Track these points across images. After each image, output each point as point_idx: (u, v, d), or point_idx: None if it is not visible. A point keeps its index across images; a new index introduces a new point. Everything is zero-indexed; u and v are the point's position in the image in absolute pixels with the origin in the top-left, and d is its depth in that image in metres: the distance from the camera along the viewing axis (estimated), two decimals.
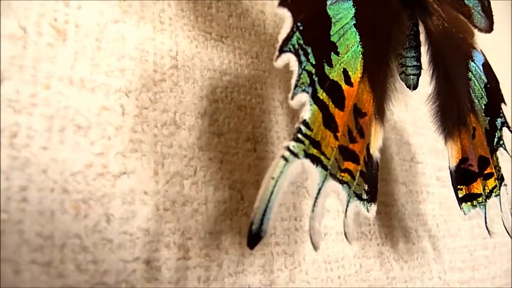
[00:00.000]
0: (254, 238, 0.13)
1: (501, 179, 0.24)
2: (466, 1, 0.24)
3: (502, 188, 0.24)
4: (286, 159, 0.14)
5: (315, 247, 0.14)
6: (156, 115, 0.18)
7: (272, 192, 0.14)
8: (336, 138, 0.15)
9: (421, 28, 0.22)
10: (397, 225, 0.26)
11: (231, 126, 0.20)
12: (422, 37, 0.22)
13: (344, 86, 0.16)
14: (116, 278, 0.15)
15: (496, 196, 0.23)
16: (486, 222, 0.22)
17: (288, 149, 0.14)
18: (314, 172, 0.15)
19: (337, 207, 0.23)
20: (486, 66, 0.24)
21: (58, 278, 0.14)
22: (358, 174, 0.16)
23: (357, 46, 0.17)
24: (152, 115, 0.18)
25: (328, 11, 0.16)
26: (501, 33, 0.38)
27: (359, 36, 0.17)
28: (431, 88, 0.22)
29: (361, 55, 0.17)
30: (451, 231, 0.30)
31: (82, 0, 0.18)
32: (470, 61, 0.23)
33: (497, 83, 0.25)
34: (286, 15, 0.15)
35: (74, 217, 0.15)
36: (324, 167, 0.15)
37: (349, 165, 0.16)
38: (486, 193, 0.23)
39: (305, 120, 0.15)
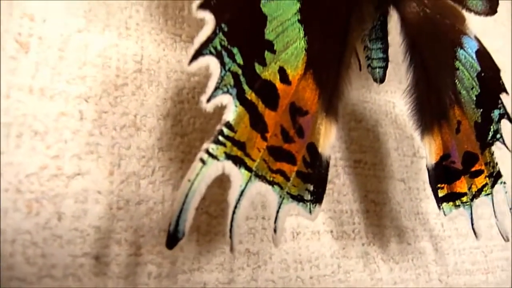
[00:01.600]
0: (171, 238, 0.14)
1: (496, 176, 0.22)
2: None
3: (498, 186, 0.22)
4: (203, 162, 0.14)
5: (232, 249, 0.14)
6: (115, 118, 0.19)
7: (187, 195, 0.14)
8: (264, 138, 0.15)
9: (396, 17, 0.20)
10: (389, 224, 0.25)
11: (196, 126, 0.21)
12: (398, 26, 0.21)
13: (278, 85, 0.16)
14: (63, 272, 0.16)
15: (487, 195, 0.21)
16: (472, 224, 0.21)
17: (207, 151, 0.14)
18: (236, 174, 0.15)
19: None
20: (481, 53, 0.22)
21: (7, 270, 0.16)
22: (294, 175, 0.16)
23: (300, 42, 0.17)
24: (111, 118, 0.19)
25: (263, 8, 0.16)
26: (502, 33, 0.35)
27: (303, 31, 0.17)
28: (408, 81, 0.21)
29: (304, 52, 0.17)
30: (460, 230, 0.28)
31: (48, 14, 0.19)
32: (459, 49, 0.21)
33: (496, 71, 0.22)
34: (207, 17, 0.15)
35: (26, 215, 0.16)
36: (248, 169, 0.15)
37: (283, 165, 0.16)
38: (474, 192, 0.21)
39: (228, 122, 0.15)
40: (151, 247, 0.18)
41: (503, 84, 0.23)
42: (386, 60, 0.19)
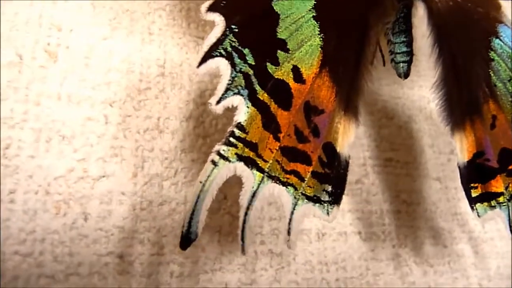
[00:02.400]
0: (184, 240, 0.14)
1: None
2: None
3: None
4: (214, 163, 0.14)
5: (243, 251, 0.14)
6: (139, 121, 0.20)
7: (199, 196, 0.14)
8: (277, 139, 0.15)
9: (422, 8, 0.20)
10: (423, 225, 0.24)
11: (218, 128, 0.21)
12: (425, 17, 0.20)
13: (292, 84, 0.16)
14: (89, 270, 0.17)
15: None
16: (510, 225, 0.19)
17: (218, 153, 0.14)
18: (248, 176, 0.15)
19: (341, 206, 0.22)
20: None
21: (37, 267, 0.16)
22: (309, 175, 0.16)
23: (315, 40, 0.16)
24: (135, 122, 0.19)
25: (275, 7, 0.16)
26: None
27: (319, 29, 0.16)
28: (436, 75, 0.20)
29: (319, 49, 0.16)
30: (503, 232, 0.26)
31: (74, 23, 0.20)
32: (494, 39, 0.20)
33: None
34: (217, 19, 0.15)
35: (54, 216, 0.17)
36: (260, 170, 0.15)
37: (297, 166, 0.15)
38: None
39: (239, 123, 0.15)
40: (173, 247, 0.18)
41: None
42: (410, 54, 0.18)
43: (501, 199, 0.19)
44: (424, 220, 0.24)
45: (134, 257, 0.18)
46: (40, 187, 0.17)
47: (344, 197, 0.22)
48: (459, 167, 0.19)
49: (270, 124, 0.15)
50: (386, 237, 0.23)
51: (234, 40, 0.15)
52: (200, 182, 0.14)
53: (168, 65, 0.21)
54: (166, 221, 0.19)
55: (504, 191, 0.19)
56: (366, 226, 0.22)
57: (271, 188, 0.15)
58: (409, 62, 0.18)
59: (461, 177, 0.19)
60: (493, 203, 0.19)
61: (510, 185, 0.19)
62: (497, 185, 0.19)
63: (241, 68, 0.15)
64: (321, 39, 0.16)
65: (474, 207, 0.19)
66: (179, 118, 0.20)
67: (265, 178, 0.15)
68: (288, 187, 0.15)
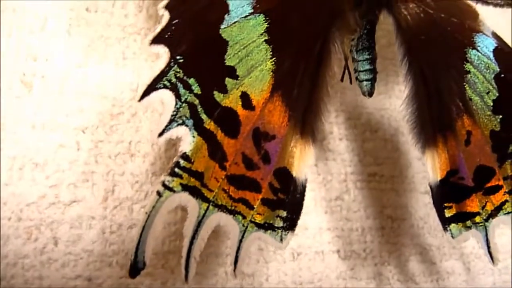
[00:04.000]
0: (132, 268, 0.14)
1: None
2: None
3: None
4: (159, 194, 0.15)
5: (187, 280, 0.14)
6: (111, 146, 0.20)
7: (143, 227, 0.14)
8: (223, 168, 0.15)
9: (391, 21, 0.19)
10: (409, 242, 0.23)
11: None
12: (393, 31, 0.19)
13: (240, 111, 0.16)
14: None
15: (507, 213, 0.19)
16: (488, 247, 0.18)
17: (163, 183, 0.15)
18: (193, 205, 0.15)
19: (318, 225, 0.22)
20: (501, 51, 0.19)
21: None
22: (258, 202, 0.16)
23: (266, 64, 0.16)
24: (106, 147, 0.20)
25: (223, 34, 0.16)
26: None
27: (271, 52, 0.16)
28: (406, 90, 0.19)
29: (270, 73, 0.16)
30: (501, 247, 0.25)
31: (50, 52, 0.21)
32: (470, 50, 0.19)
33: None
34: (161, 51, 0.15)
35: (25, 241, 0.18)
36: (205, 199, 0.15)
37: (245, 194, 0.15)
38: (490, 211, 0.19)
39: (184, 153, 0.15)
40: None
41: None
42: (373, 72, 0.18)
43: (477, 219, 0.19)
44: (410, 237, 0.23)
45: (102, 279, 0.18)
46: (13, 214, 0.18)
47: (322, 215, 0.22)
48: (430, 186, 0.19)
49: (216, 153, 0.15)
50: (368, 255, 0.22)
51: (179, 70, 0.15)
52: (146, 213, 0.14)
53: (141, 89, 0.21)
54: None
55: (481, 211, 0.19)
56: (346, 244, 0.22)
57: (217, 217, 0.15)
58: (373, 80, 0.18)
59: (432, 197, 0.18)
60: (468, 223, 0.19)
61: (488, 204, 0.19)
62: (472, 204, 0.18)
63: (186, 98, 0.15)
64: (273, 63, 0.16)
65: (448, 228, 0.18)
66: (151, 141, 0.21)
67: (211, 207, 0.15)
68: (236, 215, 0.15)
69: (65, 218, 0.19)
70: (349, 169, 0.23)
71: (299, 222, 0.21)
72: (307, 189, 0.22)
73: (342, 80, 0.20)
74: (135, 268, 0.14)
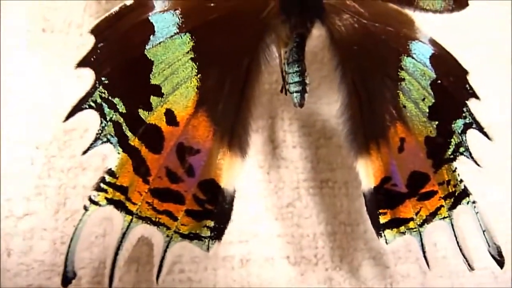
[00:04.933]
0: (63, 278, 0.15)
1: (458, 196, 0.19)
2: None
3: (465, 206, 0.19)
4: (86, 208, 0.15)
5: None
6: (64, 161, 0.21)
7: (72, 239, 0.15)
8: (146, 182, 0.16)
9: (324, 32, 0.19)
10: (362, 246, 0.23)
11: None
12: (327, 42, 0.20)
13: (164, 128, 0.16)
14: None
15: (443, 218, 0.19)
16: (423, 252, 0.19)
17: (89, 198, 0.16)
18: (118, 218, 0.16)
19: (268, 231, 0.23)
20: (438, 58, 0.20)
21: None
22: (182, 214, 0.16)
23: (191, 81, 0.17)
24: (59, 162, 0.21)
25: (148, 54, 0.16)
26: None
27: (196, 70, 0.17)
28: (339, 99, 0.19)
29: (195, 90, 0.17)
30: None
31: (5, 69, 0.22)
32: (405, 57, 0.19)
33: (461, 75, 0.20)
34: (86, 73, 0.16)
35: None
36: (129, 212, 0.16)
37: (169, 206, 0.16)
38: (425, 217, 0.19)
39: (110, 169, 0.16)
40: (91, 278, 0.20)
41: (471, 88, 0.20)
42: (303, 83, 0.18)
43: (411, 224, 0.19)
44: (364, 241, 0.24)
45: None
46: None
47: (273, 221, 0.23)
48: (364, 193, 0.19)
49: (140, 168, 0.16)
50: (319, 260, 0.23)
51: (104, 91, 0.16)
52: (74, 226, 0.15)
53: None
54: (85, 254, 0.20)
55: (414, 217, 0.19)
56: (296, 250, 0.23)
57: (142, 229, 0.16)
58: (302, 92, 0.18)
59: (366, 204, 0.19)
60: (402, 229, 0.19)
61: (422, 209, 0.19)
62: (406, 210, 0.19)
63: (111, 117, 0.16)
64: (198, 79, 0.17)
65: (382, 234, 0.19)
66: (101, 155, 0.21)
67: (135, 219, 0.16)
68: (160, 226, 0.16)
69: (18, 230, 0.20)
70: (302, 176, 0.24)
71: (249, 229, 0.22)
72: (258, 197, 0.23)
73: (281, 91, 0.20)
74: (66, 278, 0.15)
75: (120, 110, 0.16)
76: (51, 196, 0.20)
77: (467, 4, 0.21)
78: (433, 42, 0.20)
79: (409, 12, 0.20)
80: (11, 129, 0.21)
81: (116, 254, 0.15)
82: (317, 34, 0.20)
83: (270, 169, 0.24)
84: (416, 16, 0.20)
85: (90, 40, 0.16)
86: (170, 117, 0.16)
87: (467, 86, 0.20)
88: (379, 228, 0.19)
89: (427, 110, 0.19)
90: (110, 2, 0.23)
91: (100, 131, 0.16)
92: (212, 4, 0.17)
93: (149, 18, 0.17)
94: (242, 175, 0.18)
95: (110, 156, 0.16)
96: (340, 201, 0.24)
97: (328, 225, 0.23)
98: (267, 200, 0.23)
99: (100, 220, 0.16)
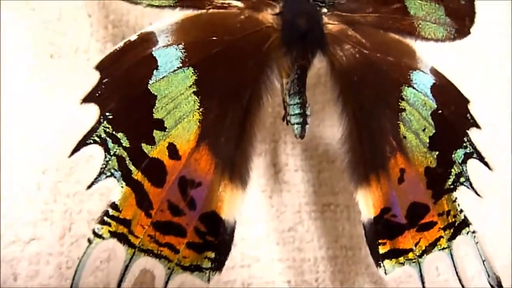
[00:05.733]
0: None
1: (458, 226, 0.19)
2: (411, 12, 0.20)
3: (464, 237, 0.19)
4: (89, 241, 0.16)
5: None
6: (69, 186, 0.22)
7: (76, 272, 0.16)
8: (148, 215, 0.16)
9: (325, 63, 0.20)
10: (363, 270, 0.24)
11: None
12: (328, 72, 0.20)
13: (167, 162, 0.17)
14: None
15: (442, 249, 0.19)
16: (422, 283, 0.19)
17: (93, 231, 0.16)
18: (121, 251, 0.16)
19: (270, 256, 0.23)
20: (439, 87, 0.20)
21: None
22: (183, 246, 0.17)
23: (193, 115, 0.17)
24: (65, 187, 0.22)
25: (151, 89, 0.17)
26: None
27: (199, 103, 0.17)
28: (340, 130, 0.20)
29: (197, 124, 0.17)
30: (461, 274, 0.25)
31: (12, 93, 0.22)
32: (406, 88, 0.20)
33: (462, 104, 0.20)
34: (92, 109, 0.16)
35: None
36: (132, 245, 0.16)
37: (171, 239, 0.17)
38: (424, 247, 0.19)
39: (113, 202, 0.16)
40: None
41: (472, 118, 0.20)
42: (303, 115, 0.19)
43: (410, 255, 0.19)
44: (365, 266, 0.24)
45: None
46: None
47: (274, 246, 0.23)
48: (362, 223, 0.19)
49: (143, 201, 0.16)
50: (320, 284, 0.23)
51: (108, 126, 0.16)
52: (78, 259, 0.16)
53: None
54: (90, 279, 0.20)
55: (414, 247, 0.19)
56: (297, 274, 0.23)
57: (143, 262, 0.16)
58: (303, 124, 0.19)
59: (365, 234, 0.19)
60: (401, 259, 0.19)
61: (422, 240, 0.19)
62: (405, 241, 0.19)
63: (115, 152, 0.16)
64: (200, 113, 0.17)
65: (382, 264, 0.19)
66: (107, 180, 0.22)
67: (137, 252, 0.16)
68: (162, 259, 0.17)
69: (24, 255, 0.20)
70: (304, 200, 0.24)
71: (250, 253, 0.23)
72: (260, 221, 0.23)
73: (283, 120, 0.21)
74: None
75: (124, 145, 0.16)
76: (56, 221, 0.21)
77: (469, 32, 0.21)
78: (434, 72, 0.20)
79: (410, 41, 0.20)
80: (17, 154, 0.21)
81: (119, 286, 0.16)
82: (321, 59, 0.21)
83: (273, 193, 0.24)
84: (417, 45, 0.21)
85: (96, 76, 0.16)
86: (173, 151, 0.17)
87: (468, 115, 0.20)
88: (378, 259, 0.19)
89: (428, 141, 0.19)
90: (117, 28, 0.24)
91: (104, 166, 0.16)
92: (214, 38, 0.18)
93: (153, 53, 0.17)
94: (243, 203, 0.18)
95: (114, 188, 0.16)
96: (342, 225, 0.24)
97: (329, 249, 0.24)
98: (269, 224, 0.23)
99: (105, 247, 0.17)
